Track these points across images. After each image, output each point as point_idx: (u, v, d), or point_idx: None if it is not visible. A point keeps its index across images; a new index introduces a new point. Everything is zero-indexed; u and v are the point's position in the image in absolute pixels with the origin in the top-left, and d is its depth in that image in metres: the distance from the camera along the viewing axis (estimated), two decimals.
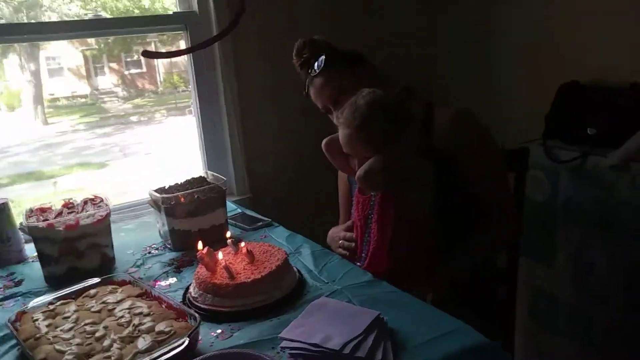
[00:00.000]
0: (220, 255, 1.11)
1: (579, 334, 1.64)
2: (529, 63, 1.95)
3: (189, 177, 1.52)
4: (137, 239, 1.51)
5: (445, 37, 2.28)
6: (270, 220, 1.54)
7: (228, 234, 1.23)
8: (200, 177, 1.50)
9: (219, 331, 1.00)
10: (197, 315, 0.93)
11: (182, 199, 1.35)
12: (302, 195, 2.06)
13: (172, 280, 1.24)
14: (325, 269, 1.22)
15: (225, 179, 1.44)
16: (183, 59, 1.89)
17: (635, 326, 1.47)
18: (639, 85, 1.52)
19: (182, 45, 1.93)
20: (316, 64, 1.38)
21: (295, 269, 1.18)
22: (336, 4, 2.06)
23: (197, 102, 1.92)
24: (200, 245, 1.12)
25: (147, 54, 1.61)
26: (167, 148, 2.10)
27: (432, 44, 2.32)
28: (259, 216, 1.59)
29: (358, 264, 1.30)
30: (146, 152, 2.19)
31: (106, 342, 0.87)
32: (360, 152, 1.20)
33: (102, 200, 1.35)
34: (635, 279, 1.45)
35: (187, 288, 1.16)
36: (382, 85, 1.28)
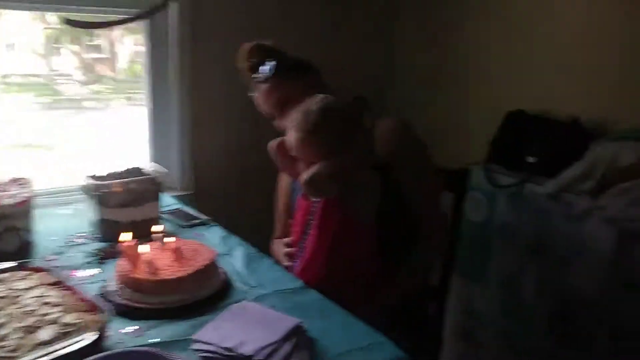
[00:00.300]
0: (144, 248, 1.07)
1: (505, 355, 1.67)
2: (480, 90, 2.00)
3: (129, 167, 1.47)
4: (66, 226, 1.44)
5: (402, 58, 2.31)
6: (207, 218, 1.51)
7: (156, 228, 1.19)
8: (139, 167, 1.45)
9: (132, 328, 0.96)
10: (108, 309, 0.89)
11: (116, 188, 1.30)
12: (247, 196, 2.03)
13: (95, 271, 1.19)
14: (255, 272, 1.20)
15: (166, 171, 1.40)
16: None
17: (557, 349, 1.51)
18: (580, 122, 1.58)
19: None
20: (264, 69, 1.36)
21: (223, 271, 1.15)
22: (298, 9, 2.05)
23: (150, 93, 1.87)
24: (126, 236, 1.08)
25: (71, 23, 1.58)
26: (118, 136, 2.03)
27: (389, 63, 2.35)
28: (197, 214, 1.55)
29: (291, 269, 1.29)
30: (97, 138, 2.11)
31: (3, 331, 0.82)
32: (309, 156, 1.18)
33: (27, 182, 1.28)
34: (560, 304, 1.50)
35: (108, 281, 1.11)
36: (331, 95, 1.28)
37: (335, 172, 1.15)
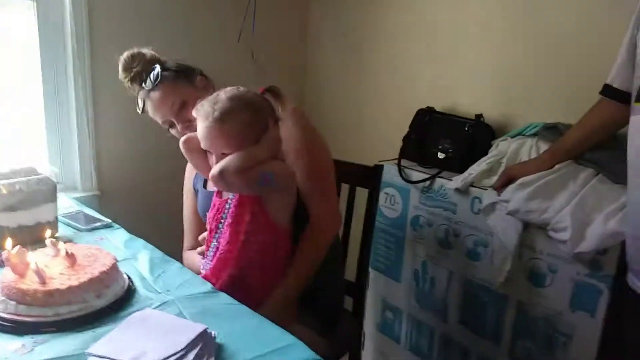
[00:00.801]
0: (32, 256, 0.96)
1: (422, 347, 1.72)
2: (392, 87, 2.04)
3: (18, 166, 1.33)
4: None
5: (315, 55, 2.31)
6: (110, 221, 1.41)
7: (48, 233, 1.08)
8: (30, 167, 1.32)
9: (19, 345, 0.86)
10: None
11: (2, 189, 1.17)
12: (156, 197, 1.93)
13: None
14: (161, 277, 1.12)
15: (56, 170, 1.28)
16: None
17: (469, 339, 1.57)
18: (483, 120, 1.65)
19: (30, 19, 1.70)
20: (151, 76, 1.32)
21: (125, 276, 1.07)
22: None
23: (42, 85, 1.72)
24: (8, 243, 0.97)
25: None
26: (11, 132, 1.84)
27: (302, 59, 2.34)
28: (99, 216, 1.44)
29: (202, 270, 1.23)
30: None
31: None
32: (219, 147, 1.12)
33: None
34: (469, 295, 1.55)
35: None
36: None
37: (247, 164, 1.09)
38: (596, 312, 1.27)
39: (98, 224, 1.38)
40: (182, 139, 1.21)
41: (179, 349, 0.79)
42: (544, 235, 1.33)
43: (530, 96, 1.66)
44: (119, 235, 1.34)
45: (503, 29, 1.70)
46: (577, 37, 1.53)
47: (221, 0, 2.04)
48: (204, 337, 0.84)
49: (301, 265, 1.22)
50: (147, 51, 1.38)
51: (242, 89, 1.16)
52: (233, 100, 1.11)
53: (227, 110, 1.10)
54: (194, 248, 1.42)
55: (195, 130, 1.28)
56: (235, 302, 1.04)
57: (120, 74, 1.38)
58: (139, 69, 1.35)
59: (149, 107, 1.37)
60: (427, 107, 1.76)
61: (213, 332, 0.87)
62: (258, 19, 2.09)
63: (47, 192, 1.25)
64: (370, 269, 1.77)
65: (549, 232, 1.30)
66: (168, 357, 0.77)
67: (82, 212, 1.47)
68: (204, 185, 1.45)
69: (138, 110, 1.40)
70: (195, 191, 1.46)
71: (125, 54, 1.36)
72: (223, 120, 1.09)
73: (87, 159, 1.81)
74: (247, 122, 1.11)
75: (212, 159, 1.14)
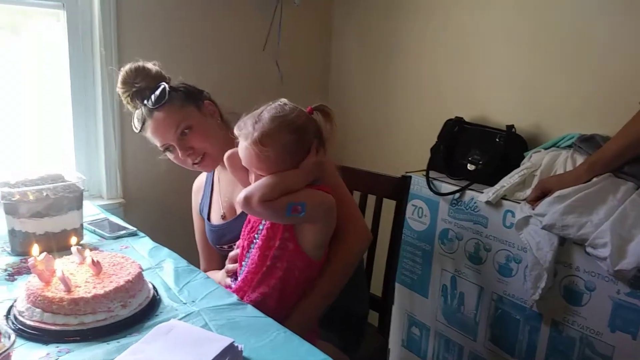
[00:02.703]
0: (58, 263, 0.95)
1: None
2: (420, 98, 2.01)
3: (46, 173, 1.33)
4: None
5: (340, 71, 2.30)
6: (135, 229, 1.39)
7: (73, 240, 1.07)
8: (57, 174, 1.32)
9: (44, 353, 0.85)
10: (12, 333, 0.77)
11: (26, 196, 1.17)
12: (181, 206, 1.91)
13: (3, 289, 1.06)
14: (186, 287, 1.10)
15: (83, 177, 1.28)
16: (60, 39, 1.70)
17: (500, 359, 1.51)
18: (514, 130, 1.60)
19: (59, 27, 1.72)
20: (157, 94, 1.24)
21: (150, 286, 1.05)
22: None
23: (71, 94, 1.73)
24: (35, 250, 0.96)
25: None
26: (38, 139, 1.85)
27: (325, 75, 2.33)
28: (124, 224, 1.43)
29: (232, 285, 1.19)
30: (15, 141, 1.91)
31: None
32: (256, 169, 1.08)
33: None
34: (500, 312, 1.50)
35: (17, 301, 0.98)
36: (229, 125, 1.22)
37: (275, 193, 1.02)
38: (638, 333, 1.21)
39: (123, 232, 1.37)
40: (227, 154, 1.15)
41: None
42: (581, 251, 1.27)
43: (563, 106, 1.60)
44: (144, 244, 1.33)
45: (534, 37, 1.65)
46: (611, 44, 1.48)
47: (248, 9, 2.04)
48: (230, 351, 0.82)
49: (328, 285, 1.16)
50: (152, 66, 1.29)
51: (288, 106, 1.08)
52: (274, 121, 1.05)
53: (267, 133, 1.03)
54: (210, 270, 1.40)
55: (195, 156, 1.29)
56: (262, 315, 1.01)
57: (119, 88, 1.29)
58: (142, 84, 1.26)
59: (150, 127, 1.27)
60: (456, 117, 1.72)
61: (240, 346, 0.84)
62: (284, 28, 2.09)
63: (74, 199, 1.24)
64: (396, 284, 1.72)
65: (587, 249, 1.24)
66: None
67: (107, 219, 1.47)
68: (208, 218, 1.41)
69: (134, 129, 1.30)
70: (202, 218, 1.44)
71: (128, 67, 1.27)
72: (263, 143, 1.03)
73: (113, 166, 1.81)
74: (288, 146, 1.04)
75: (252, 177, 1.10)
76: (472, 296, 1.57)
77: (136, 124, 1.29)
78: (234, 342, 0.83)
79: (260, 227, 1.14)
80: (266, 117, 1.05)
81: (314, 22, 2.27)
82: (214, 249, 1.42)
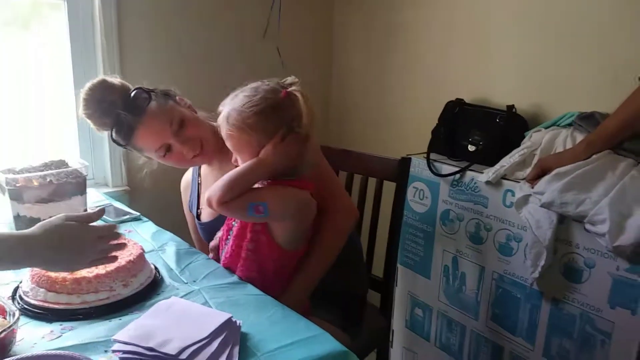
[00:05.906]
0: None
1: (452, 345, 1.68)
2: (420, 79, 2.01)
3: (50, 160, 1.36)
4: None
5: (341, 54, 2.29)
6: (138, 214, 1.42)
7: None
8: (60, 160, 1.34)
9: (48, 330, 0.87)
10: (16, 310, 0.80)
11: (31, 182, 1.19)
12: None
13: (8, 271, 1.08)
14: (187, 268, 1.12)
15: (86, 164, 1.30)
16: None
17: (501, 337, 1.52)
18: (515, 110, 1.60)
19: (62, 18, 1.74)
20: (138, 100, 1.21)
21: (152, 267, 1.07)
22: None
23: (73, 81, 1.75)
24: None
25: None
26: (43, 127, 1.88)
27: (327, 55, 2.32)
28: (128, 209, 1.46)
29: None
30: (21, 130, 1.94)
31: None
32: (233, 151, 1.08)
33: None
34: (501, 291, 1.51)
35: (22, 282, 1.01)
36: (210, 114, 1.21)
37: (230, 193, 0.98)
38: (637, 309, 1.21)
39: (127, 216, 1.40)
40: None
41: (204, 336, 0.78)
42: (580, 228, 1.28)
43: (563, 85, 1.59)
44: (147, 228, 1.35)
45: (533, 16, 1.64)
46: (610, 22, 1.46)
47: None
48: (228, 326, 0.84)
49: (316, 264, 1.17)
50: (113, 79, 1.25)
51: (262, 87, 1.05)
52: (242, 100, 1.04)
53: (233, 114, 1.04)
54: None
55: (195, 147, 1.26)
56: (261, 293, 1.03)
57: (85, 111, 1.21)
58: (113, 97, 1.20)
59: (140, 134, 1.22)
60: (457, 98, 1.72)
61: (238, 321, 0.86)
62: (283, 13, 2.09)
63: (77, 184, 1.27)
64: (398, 265, 1.74)
65: (586, 225, 1.24)
66: (193, 344, 0.77)
67: (112, 205, 1.49)
68: (199, 215, 1.41)
69: (119, 145, 1.25)
70: (193, 214, 1.45)
71: (88, 86, 1.21)
72: (230, 122, 1.04)
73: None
74: (254, 127, 1.02)
75: (233, 158, 1.11)
76: (474, 276, 1.58)
77: (120, 140, 1.24)
78: (232, 317, 0.85)
79: None
80: (239, 97, 1.05)
81: (315, 5, 2.26)
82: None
